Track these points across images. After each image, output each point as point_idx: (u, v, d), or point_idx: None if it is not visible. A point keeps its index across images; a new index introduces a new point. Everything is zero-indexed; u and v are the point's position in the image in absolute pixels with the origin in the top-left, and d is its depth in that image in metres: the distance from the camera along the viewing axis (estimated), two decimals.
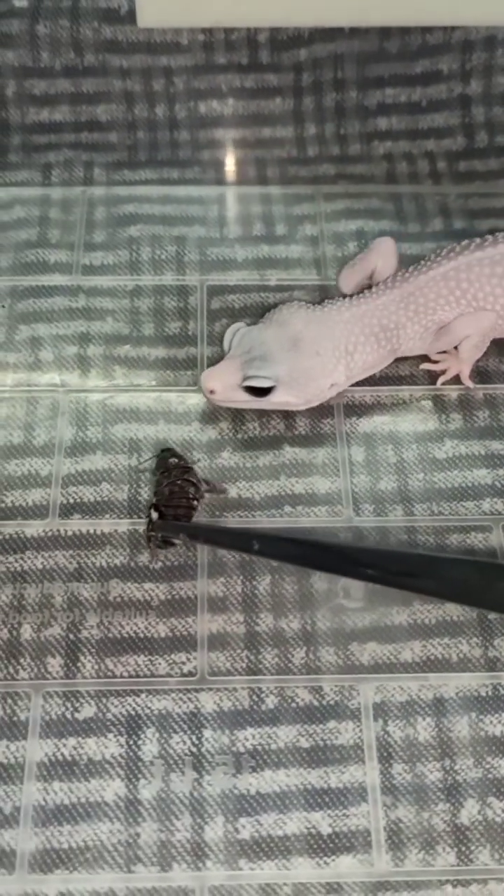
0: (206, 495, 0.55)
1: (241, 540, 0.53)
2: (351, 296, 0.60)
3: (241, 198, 0.70)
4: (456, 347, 0.60)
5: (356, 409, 0.60)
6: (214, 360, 0.60)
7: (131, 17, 0.68)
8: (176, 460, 0.55)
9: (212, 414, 0.59)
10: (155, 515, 0.53)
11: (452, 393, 0.60)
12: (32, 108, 0.71)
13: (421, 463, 0.58)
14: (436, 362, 0.61)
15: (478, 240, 0.60)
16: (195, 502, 0.54)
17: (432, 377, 0.61)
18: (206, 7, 0.65)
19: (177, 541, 0.53)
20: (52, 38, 0.69)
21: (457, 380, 0.60)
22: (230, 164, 0.71)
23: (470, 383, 0.60)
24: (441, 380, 0.60)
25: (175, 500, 0.54)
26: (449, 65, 0.72)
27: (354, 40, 0.70)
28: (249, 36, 0.69)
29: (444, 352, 0.61)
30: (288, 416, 0.59)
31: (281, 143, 0.72)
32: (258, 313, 0.62)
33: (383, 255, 0.62)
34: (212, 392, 0.56)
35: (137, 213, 0.68)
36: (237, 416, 0.59)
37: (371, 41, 0.70)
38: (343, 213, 0.69)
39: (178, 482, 0.54)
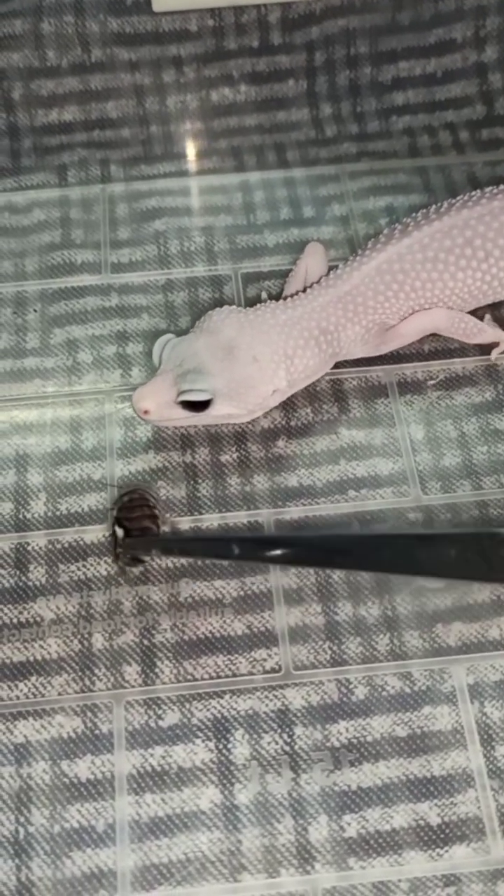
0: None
1: (220, 546, 0.50)
2: (285, 298, 0.56)
3: (264, 183, 0.68)
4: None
5: (410, 387, 0.58)
6: None
7: (138, 7, 0.67)
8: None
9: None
10: (121, 533, 0.50)
11: None
12: (41, 110, 0.69)
13: (483, 435, 0.56)
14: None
15: (399, 226, 0.57)
16: (157, 511, 0.51)
17: (483, 348, 0.59)
18: None
19: (146, 557, 0.51)
20: (58, 36, 0.67)
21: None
22: (249, 151, 0.69)
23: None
24: (495, 352, 0.58)
25: (137, 511, 0.51)
26: (463, 33, 0.70)
27: (366, 14, 0.68)
28: (260, 17, 0.67)
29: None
30: (340, 398, 0.57)
31: (298, 126, 0.70)
32: None
33: (311, 258, 0.60)
34: (146, 412, 0.51)
35: (160, 207, 0.66)
36: (288, 403, 0.57)
37: (383, 13, 0.68)
38: (370, 190, 0.67)
39: (137, 493, 0.52)
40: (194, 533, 0.52)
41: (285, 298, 0.57)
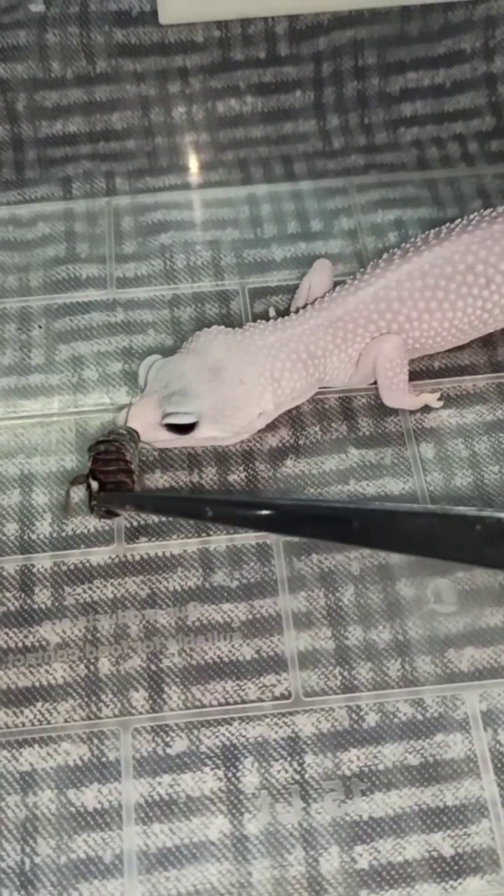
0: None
1: (193, 506, 0.50)
2: (276, 318, 0.55)
3: (271, 196, 0.67)
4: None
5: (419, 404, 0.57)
6: None
7: (143, 18, 0.66)
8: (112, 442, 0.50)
9: (269, 423, 0.56)
10: (95, 485, 0.49)
11: None
12: (45, 121, 0.68)
13: (494, 455, 0.55)
14: None
15: (398, 251, 0.55)
16: (133, 466, 0.49)
17: (494, 364, 0.58)
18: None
19: (121, 512, 0.50)
20: (62, 47, 0.66)
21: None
22: (255, 163, 0.69)
23: (432, 402, 0.56)
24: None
25: (112, 464, 0.49)
26: (472, 43, 0.69)
27: (374, 25, 0.68)
28: (267, 28, 0.67)
29: None
30: (349, 417, 0.56)
31: (305, 138, 0.70)
32: None
33: (315, 275, 0.59)
34: (135, 434, 0.51)
35: (166, 220, 0.65)
36: (296, 421, 0.56)
37: (392, 24, 0.68)
38: (379, 203, 0.66)
39: (114, 445, 0.49)
40: (169, 491, 0.51)
41: (288, 315, 0.56)
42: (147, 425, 0.51)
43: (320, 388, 0.56)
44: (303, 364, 0.53)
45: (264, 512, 0.49)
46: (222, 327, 0.54)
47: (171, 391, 0.51)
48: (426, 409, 0.56)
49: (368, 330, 0.54)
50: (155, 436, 0.52)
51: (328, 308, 0.54)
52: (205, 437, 0.52)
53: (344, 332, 0.54)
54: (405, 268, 0.54)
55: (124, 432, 0.50)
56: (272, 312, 0.60)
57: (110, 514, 0.50)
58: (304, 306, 0.56)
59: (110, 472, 0.49)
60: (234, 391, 0.51)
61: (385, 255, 0.56)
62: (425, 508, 0.50)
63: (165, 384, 0.51)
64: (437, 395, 0.56)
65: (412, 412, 0.56)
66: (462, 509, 0.47)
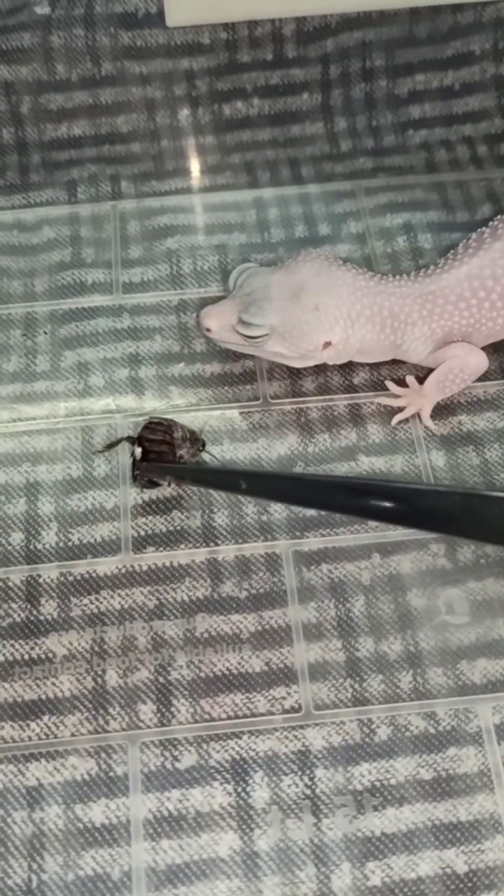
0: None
1: (229, 479, 0.51)
2: (374, 274, 0.56)
3: (278, 200, 0.66)
4: (422, 382, 0.56)
5: (431, 412, 0.56)
6: (273, 371, 0.57)
7: (149, 20, 0.65)
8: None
9: (278, 429, 0.55)
10: (138, 451, 0.51)
11: None
12: (50, 125, 0.68)
13: None
14: (396, 396, 0.56)
15: (487, 230, 0.56)
16: (176, 443, 0.51)
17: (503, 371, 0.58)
18: (234, 1, 0.61)
19: (162, 482, 0.52)
20: (67, 49, 0.66)
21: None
22: (262, 166, 0.68)
23: (431, 424, 0.55)
24: (397, 418, 0.56)
25: (159, 435, 0.51)
26: (481, 45, 0.69)
27: (382, 26, 0.67)
28: (274, 30, 0.66)
29: (406, 385, 0.56)
30: (360, 424, 0.56)
31: (313, 140, 0.69)
32: None
33: None
34: (208, 330, 0.54)
35: (173, 225, 0.65)
36: (305, 429, 0.56)
37: (400, 25, 0.67)
38: (387, 206, 0.66)
39: (165, 422, 0.52)
40: (206, 465, 0.52)
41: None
42: (223, 326, 0.53)
43: (397, 359, 0.57)
44: (381, 320, 0.54)
45: (296, 486, 0.48)
46: (324, 253, 0.56)
47: (251, 300, 0.53)
48: (436, 414, 0.56)
49: (458, 308, 0.54)
50: (228, 337, 0.54)
51: (422, 282, 0.55)
52: (272, 350, 0.54)
53: (433, 306, 0.54)
54: (497, 245, 0.54)
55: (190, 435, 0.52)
56: None
57: (151, 484, 0.52)
58: (396, 275, 0.56)
59: (155, 441, 0.51)
60: (307, 315, 0.53)
61: (474, 235, 0.56)
62: (450, 487, 0.50)
63: (250, 292, 0.53)
64: (435, 427, 0.56)
65: (421, 420, 0.56)
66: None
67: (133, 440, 0.52)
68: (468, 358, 0.54)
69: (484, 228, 0.56)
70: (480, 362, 0.54)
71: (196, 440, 0.52)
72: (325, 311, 0.53)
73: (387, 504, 0.45)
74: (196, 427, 0.53)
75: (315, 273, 0.54)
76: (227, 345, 0.55)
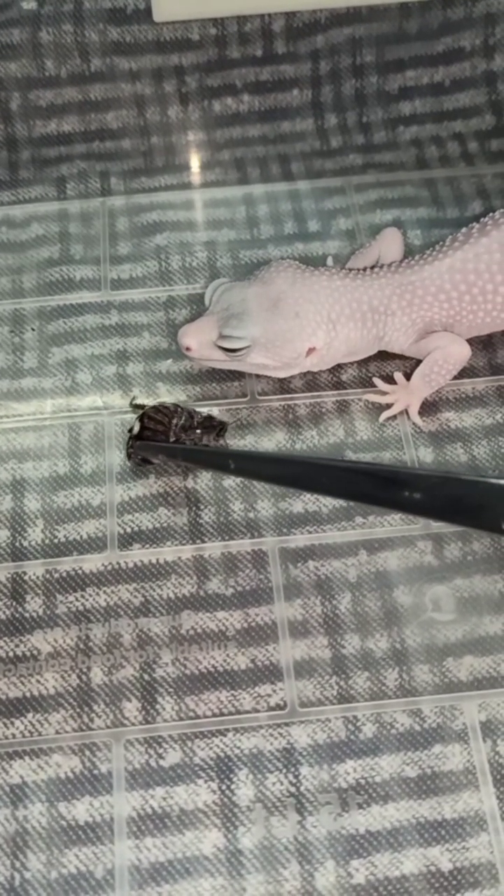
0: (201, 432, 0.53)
1: (218, 459, 0.51)
2: (350, 269, 0.56)
3: (268, 196, 0.66)
4: (409, 379, 0.56)
5: (419, 408, 0.56)
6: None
7: (138, 16, 0.65)
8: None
9: (265, 426, 0.55)
10: (137, 427, 0.52)
11: None
12: (39, 121, 0.67)
13: (494, 459, 0.54)
14: (383, 393, 0.56)
15: (476, 225, 0.55)
16: (174, 423, 0.52)
17: (494, 367, 0.58)
18: None
19: (155, 460, 0.52)
20: (56, 45, 0.65)
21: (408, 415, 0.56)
22: (252, 163, 0.68)
23: (419, 421, 0.55)
24: (385, 415, 0.55)
25: (161, 416, 0.52)
26: (472, 41, 0.68)
27: (373, 22, 0.67)
28: (264, 26, 0.66)
29: (394, 382, 0.56)
30: (347, 420, 0.55)
31: (303, 137, 0.69)
32: None
33: (386, 244, 0.59)
34: (188, 349, 0.53)
35: (162, 221, 0.64)
36: (292, 425, 0.55)
37: (390, 21, 0.67)
38: (377, 203, 0.65)
39: (177, 408, 0.53)
40: (198, 446, 0.53)
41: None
42: (203, 343, 0.53)
43: (380, 350, 0.57)
44: (362, 315, 0.54)
45: (283, 467, 0.48)
46: (294, 262, 0.55)
47: (230, 314, 0.53)
48: (424, 411, 0.55)
49: (438, 299, 0.54)
50: (209, 354, 0.53)
51: (402, 272, 0.55)
52: (255, 363, 0.54)
53: (412, 297, 0.54)
54: (483, 241, 0.54)
55: (205, 413, 0.53)
56: (330, 261, 0.61)
57: (144, 462, 0.53)
58: (379, 266, 0.56)
59: (154, 420, 0.52)
60: (288, 323, 0.53)
61: (464, 229, 0.56)
62: (447, 473, 0.49)
63: (227, 307, 0.53)
64: (423, 424, 0.55)
65: (409, 416, 0.55)
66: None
67: (139, 409, 0.53)
68: (451, 348, 0.54)
69: (474, 224, 0.56)
70: (463, 351, 0.54)
71: (212, 427, 0.53)
72: (306, 317, 0.53)
73: (374, 487, 0.44)
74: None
75: (290, 282, 0.54)
76: (208, 363, 0.55)
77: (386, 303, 0.54)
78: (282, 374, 0.55)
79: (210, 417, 0.54)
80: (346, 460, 0.53)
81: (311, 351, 0.54)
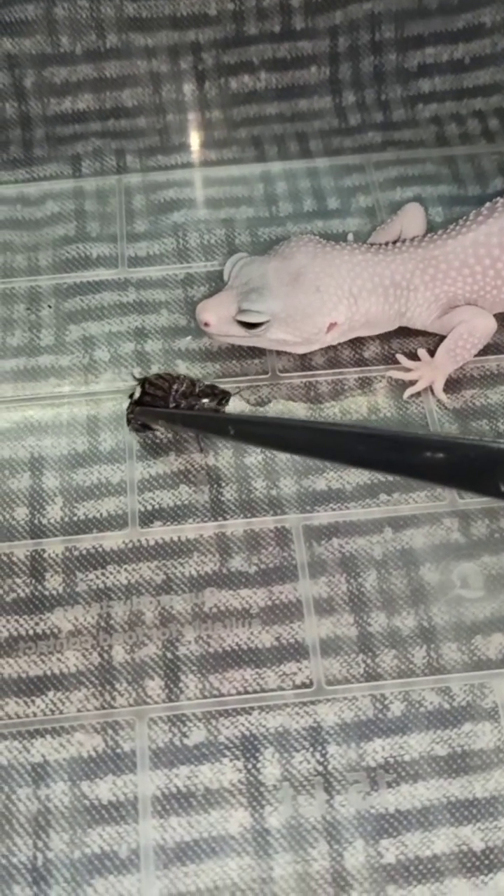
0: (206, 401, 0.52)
1: (217, 424, 0.50)
2: (372, 244, 0.55)
3: (286, 174, 0.65)
4: (433, 354, 0.55)
5: (444, 385, 0.55)
6: None
7: None
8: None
9: (286, 404, 0.54)
10: (138, 392, 0.52)
11: None
12: (54, 98, 0.67)
13: None
14: (407, 370, 0.55)
15: (501, 200, 0.55)
16: (174, 390, 0.51)
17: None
18: None
19: (156, 427, 0.52)
20: (72, 21, 0.65)
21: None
22: (270, 140, 0.67)
23: (444, 397, 0.54)
24: (409, 392, 0.54)
25: (162, 382, 0.51)
26: (492, 17, 0.67)
27: None
28: (282, 1, 0.65)
29: (417, 358, 0.55)
30: (370, 398, 0.54)
31: (321, 114, 0.68)
32: None
33: (408, 219, 0.58)
34: (206, 325, 0.53)
35: (179, 199, 0.63)
36: (314, 403, 0.54)
37: None
38: (397, 180, 0.65)
39: (178, 377, 0.52)
40: (197, 412, 0.52)
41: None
42: (222, 318, 0.52)
43: (402, 326, 0.56)
44: (384, 290, 0.53)
45: (283, 432, 0.47)
46: (315, 236, 0.55)
47: (249, 289, 0.52)
48: (449, 388, 0.54)
49: (462, 273, 0.53)
50: (228, 330, 0.53)
51: (424, 247, 0.54)
52: (274, 338, 0.53)
53: (435, 271, 0.53)
54: None
55: (205, 385, 0.52)
56: (351, 238, 0.60)
57: (144, 428, 0.52)
58: (402, 240, 0.55)
59: (155, 386, 0.51)
60: (309, 297, 0.52)
61: (487, 204, 0.55)
62: (446, 437, 0.48)
63: (247, 281, 0.52)
64: (448, 400, 0.54)
65: (434, 393, 0.54)
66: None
67: (139, 382, 0.52)
68: (475, 321, 0.53)
69: (498, 199, 0.55)
70: (489, 324, 0.53)
71: (214, 395, 0.52)
72: (327, 292, 0.52)
73: (373, 451, 0.43)
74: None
75: (311, 256, 0.53)
76: (227, 339, 0.54)
77: (409, 277, 0.53)
78: (301, 350, 0.54)
79: (212, 386, 0.52)
80: (346, 423, 0.52)
81: (331, 326, 0.53)
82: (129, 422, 0.52)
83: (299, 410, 0.54)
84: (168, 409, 0.51)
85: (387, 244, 0.55)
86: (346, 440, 0.43)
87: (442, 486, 0.49)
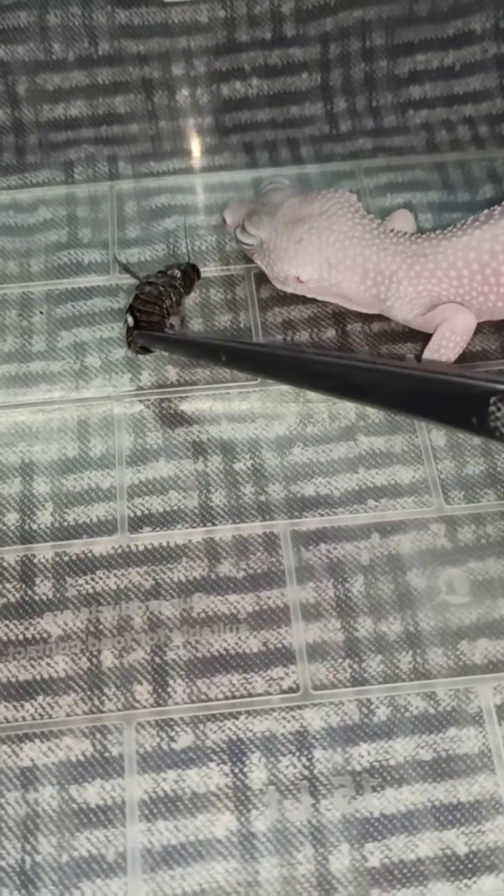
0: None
1: (209, 350, 0.52)
2: (379, 227, 0.56)
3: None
4: (419, 360, 0.55)
5: None
6: None
7: None
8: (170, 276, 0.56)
9: (275, 410, 0.55)
10: (130, 321, 0.54)
11: None
12: (47, 105, 0.67)
13: None
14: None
15: (498, 207, 0.55)
16: (167, 312, 0.55)
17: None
18: None
19: (155, 348, 0.55)
20: (64, 28, 0.65)
21: None
22: (261, 146, 0.67)
23: None
24: None
25: (150, 306, 0.54)
26: (482, 24, 0.68)
27: (382, 5, 0.66)
28: (273, 8, 0.65)
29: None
30: (359, 409, 0.55)
31: (312, 121, 0.68)
32: (310, 298, 0.58)
33: (397, 226, 0.59)
34: (224, 221, 0.60)
35: (170, 205, 0.64)
36: (303, 409, 0.55)
37: (400, 4, 0.66)
38: (387, 187, 0.65)
39: (157, 290, 0.55)
40: (191, 336, 0.56)
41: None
42: (234, 223, 0.58)
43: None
44: (363, 272, 0.54)
45: (273, 360, 0.49)
46: (353, 196, 0.56)
47: (259, 210, 0.56)
48: None
49: (448, 275, 0.54)
50: (236, 233, 0.58)
51: (419, 243, 0.55)
52: (258, 262, 0.57)
53: (421, 268, 0.54)
54: (503, 223, 0.53)
55: (178, 274, 0.56)
56: None
57: (144, 350, 0.55)
58: (398, 232, 0.56)
59: (145, 312, 0.54)
60: (288, 244, 0.55)
61: (486, 210, 0.55)
62: (425, 369, 0.47)
63: (265, 203, 0.57)
64: None
65: None
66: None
67: (126, 310, 0.55)
68: (455, 319, 0.54)
69: (496, 206, 0.55)
70: (467, 320, 0.54)
71: (192, 280, 0.57)
72: (305, 248, 0.54)
73: (353, 380, 0.44)
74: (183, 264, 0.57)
75: (321, 210, 0.55)
76: (238, 243, 0.57)
77: (394, 269, 0.54)
78: (277, 285, 0.57)
79: (184, 273, 0.56)
80: (333, 353, 0.54)
81: (297, 279, 0.55)
82: (129, 345, 0.55)
83: (288, 416, 0.54)
84: (166, 335, 0.54)
85: (392, 230, 0.56)
86: (331, 369, 0.44)
87: (418, 418, 0.50)
